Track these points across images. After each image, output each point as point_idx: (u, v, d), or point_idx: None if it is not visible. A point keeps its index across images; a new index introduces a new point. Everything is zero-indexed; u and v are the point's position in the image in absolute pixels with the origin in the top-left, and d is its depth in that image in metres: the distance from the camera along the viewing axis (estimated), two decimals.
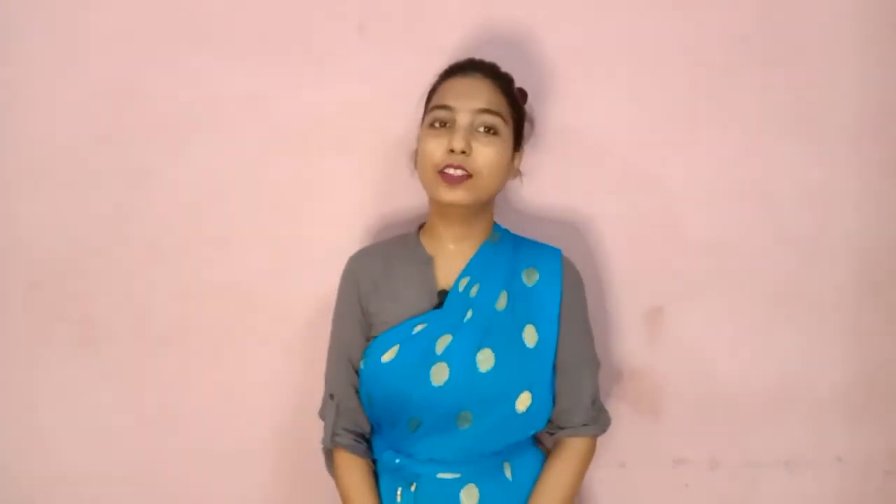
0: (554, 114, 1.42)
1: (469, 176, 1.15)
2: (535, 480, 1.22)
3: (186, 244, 1.45)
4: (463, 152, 1.14)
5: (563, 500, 1.20)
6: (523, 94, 1.28)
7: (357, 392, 1.24)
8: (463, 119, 1.15)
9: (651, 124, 1.43)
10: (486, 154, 1.15)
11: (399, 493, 1.19)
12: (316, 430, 1.29)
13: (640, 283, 1.46)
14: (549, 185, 1.44)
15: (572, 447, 1.23)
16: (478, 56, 1.25)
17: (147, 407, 1.47)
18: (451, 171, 1.15)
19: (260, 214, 1.45)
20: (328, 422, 1.25)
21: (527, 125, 1.29)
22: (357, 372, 1.23)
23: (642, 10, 1.42)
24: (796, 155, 1.44)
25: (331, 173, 1.44)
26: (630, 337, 1.47)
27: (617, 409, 1.44)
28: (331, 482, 1.27)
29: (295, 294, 1.44)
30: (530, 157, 1.36)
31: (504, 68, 1.25)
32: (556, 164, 1.43)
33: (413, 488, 1.18)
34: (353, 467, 1.23)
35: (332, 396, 1.25)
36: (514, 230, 1.31)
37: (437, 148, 1.16)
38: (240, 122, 1.43)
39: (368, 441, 1.27)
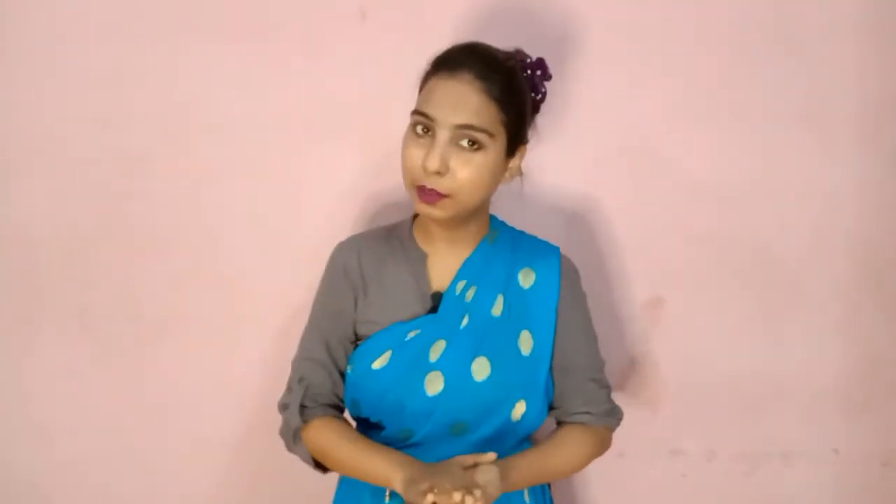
0: (559, 100, 1.40)
1: (446, 196, 1.06)
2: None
3: (183, 231, 1.45)
4: (438, 172, 1.04)
5: (541, 470, 1.13)
6: (540, 69, 1.15)
7: (333, 382, 1.15)
8: (442, 135, 1.05)
9: (656, 115, 1.43)
10: (465, 173, 1.05)
11: (388, 493, 1.10)
12: None
13: (640, 273, 1.46)
14: (551, 172, 1.43)
15: (568, 431, 1.18)
16: (482, 40, 1.15)
17: (142, 394, 1.47)
18: (425, 189, 1.06)
19: (257, 202, 1.44)
20: (294, 397, 1.13)
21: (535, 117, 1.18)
22: (340, 371, 1.16)
23: None
24: (799, 148, 1.44)
25: (329, 161, 1.43)
26: (629, 327, 1.47)
27: (615, 398, 1.43)
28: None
29: (291, 282, 1.42)
30: (532, 145, 1.32)
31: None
32: (560, 151, 1.42)
33: None
34: (340, 424, 1.13)
35: (300, 380, 1.15)
36: (513, 217, 1.27)
37: (415, 158, 1.07)
38: (238, 109, 1.42)
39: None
